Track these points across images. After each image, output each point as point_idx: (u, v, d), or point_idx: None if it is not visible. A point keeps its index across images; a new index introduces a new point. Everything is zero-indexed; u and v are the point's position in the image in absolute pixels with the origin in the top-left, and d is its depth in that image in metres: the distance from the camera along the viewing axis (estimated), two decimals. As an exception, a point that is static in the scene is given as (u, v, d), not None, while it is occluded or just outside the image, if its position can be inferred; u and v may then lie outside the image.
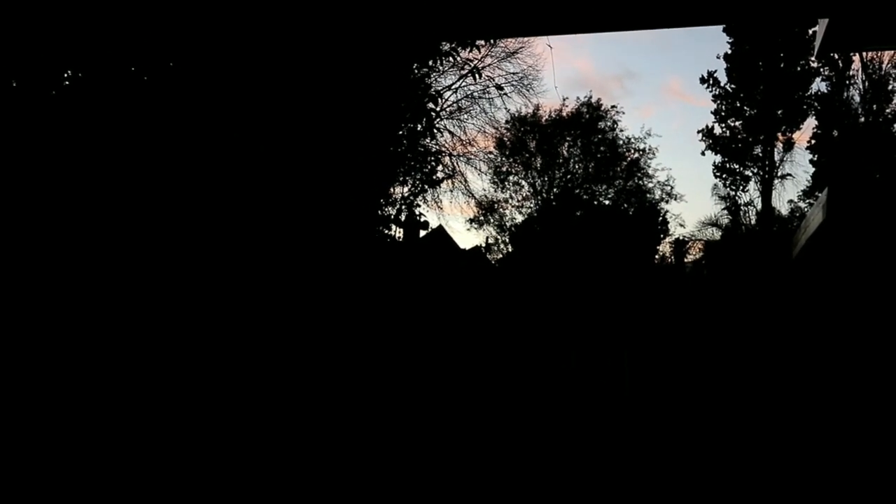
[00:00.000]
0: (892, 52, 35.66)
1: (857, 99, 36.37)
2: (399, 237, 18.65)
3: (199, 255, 10.35)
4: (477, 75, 21.51)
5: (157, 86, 10.68)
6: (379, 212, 15.94)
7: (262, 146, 11.53)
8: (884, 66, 36.16)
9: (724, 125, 37.80)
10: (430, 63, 15.85)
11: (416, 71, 15.66)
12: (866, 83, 36.28)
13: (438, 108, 17.85)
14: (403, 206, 16.69)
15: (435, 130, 16.52)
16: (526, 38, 27.17)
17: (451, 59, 17.22)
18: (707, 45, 74.48)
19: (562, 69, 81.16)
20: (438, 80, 22.67)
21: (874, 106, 36.20)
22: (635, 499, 8.17)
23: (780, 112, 36.66)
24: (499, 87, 26.15)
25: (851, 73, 36.50)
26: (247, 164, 11.28)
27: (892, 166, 35.58)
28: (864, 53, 35.23)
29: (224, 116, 11.01)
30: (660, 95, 68.25)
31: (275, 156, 11.73)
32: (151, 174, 10.16)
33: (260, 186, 11.31)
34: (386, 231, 15.63)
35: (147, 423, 8.23)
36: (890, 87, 36.15)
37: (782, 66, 36.39)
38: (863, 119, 36.19)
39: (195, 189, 10.49)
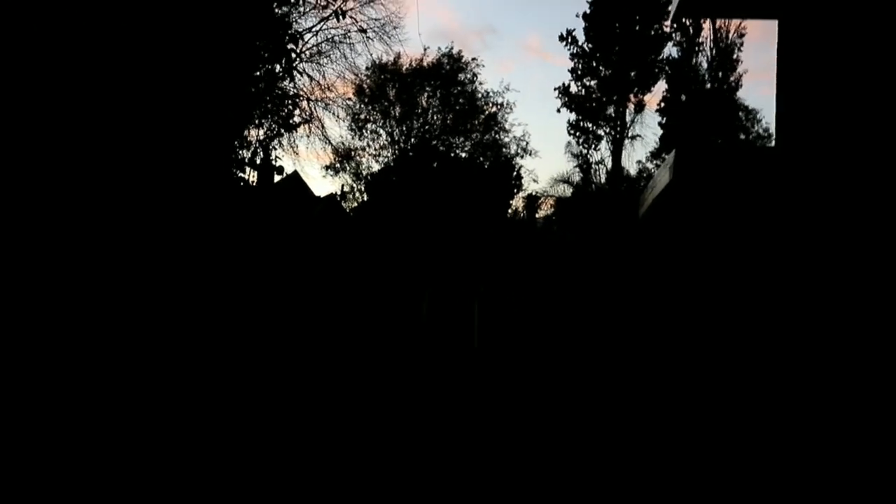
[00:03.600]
0: (739, 21, 37.21)
1: (705, 65, 37.88)
2: (253, 181, 18.25)
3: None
4: (340, 16, 21.03)
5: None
6: (233, 154, 15.53)
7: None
8: (730, 35, 37.72)
9: (580, 84, 38.64)
10: (292, 1, 15.46)
11: (276, 10, 15.24)
12: (714, 51, 37.77)
13: (299, 50, 17.42)
14: (259, 150, 16.31)
15: (294, 72, 16.14)
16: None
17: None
18: (567, 5, 75.75)
19: (425, 20, 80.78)
20: (299, 21, 22.11)
21: (720, 73, 37.75)
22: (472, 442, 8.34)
23: (633, 74, 37.72)
24: (362, 31, 25.73)
25: (701, 40, 37.93)
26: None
27: (733, 131, 37.30)
28: (715, 22, 36.62)
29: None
30: (519, 52, 69.09)
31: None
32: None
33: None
34: (240, 174, 15.26)
35: None
36: (735, 56, 37.78)
37: (637, 28, 37.36)
38: (709, 85, 37.70)
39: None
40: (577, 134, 38.83)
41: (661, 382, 11.23)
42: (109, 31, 10.89)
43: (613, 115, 38.37)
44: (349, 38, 26.81)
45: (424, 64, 40.00)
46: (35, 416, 7.96)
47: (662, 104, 38.35)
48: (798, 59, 8.83)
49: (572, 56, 38.52)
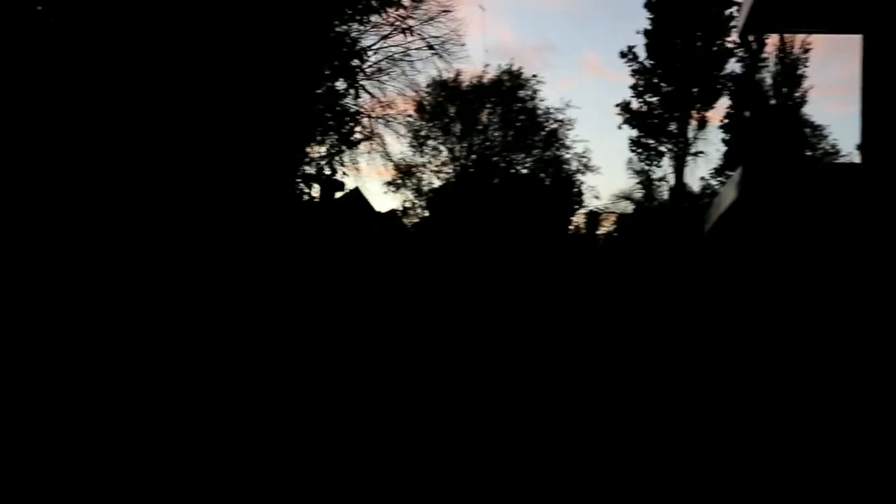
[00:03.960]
0: (803, 37, 36.61)
1: (769, 81, 37.29)
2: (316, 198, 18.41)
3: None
4: (408, 33, 21.12)
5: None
6: (297, 170, 15.71)
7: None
8: (795, 50, 37.11)
9: (641, 100, 38.31)
10: (354, 21, 15.59)
11: (337, 28, 15.40)
12: (778, 66, 37.19)
13: (363, 66, 17.56)
14: (324, 165, 16.46)
15: (358, 89, 16.27)
16: (445, 4, 26.84)
17: (375, 16, 16.98)
18: (625, 21, 75.33)
19: (483, 39, 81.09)
20: (359, 39, 22.33)
21: (784, 89, 37.15)
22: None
23: (695, 90, 37.31)
24: (430, 47, 25.73)
25: (765, 55, 37.38)
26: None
27: (799, 148, 36.63)
28: (781, 37, 36.07)
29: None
30: (578, 69, 68.76)
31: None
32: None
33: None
34: (304, 189, 15.43)
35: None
36: (799, 71, 37.14)
37: (699, 44, 36.97)
38: (773, 101, 37.11)
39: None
40: (639, 150, 38.49)
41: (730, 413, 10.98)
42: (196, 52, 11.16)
43: (676, 131, 37.96)
44: (409, 55, 26.95)
45: (484, 81, 40.07)
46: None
47: (726, 120, 37.82)
48: (886, 75, 8.57)
49: (633, 72, 38.24)
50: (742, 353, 10.76)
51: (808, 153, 37.94)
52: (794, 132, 36.82)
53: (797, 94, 37.21)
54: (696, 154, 38.08)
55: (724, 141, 38.02)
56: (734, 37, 36.87)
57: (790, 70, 37.12)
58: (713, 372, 13.85)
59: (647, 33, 37.66)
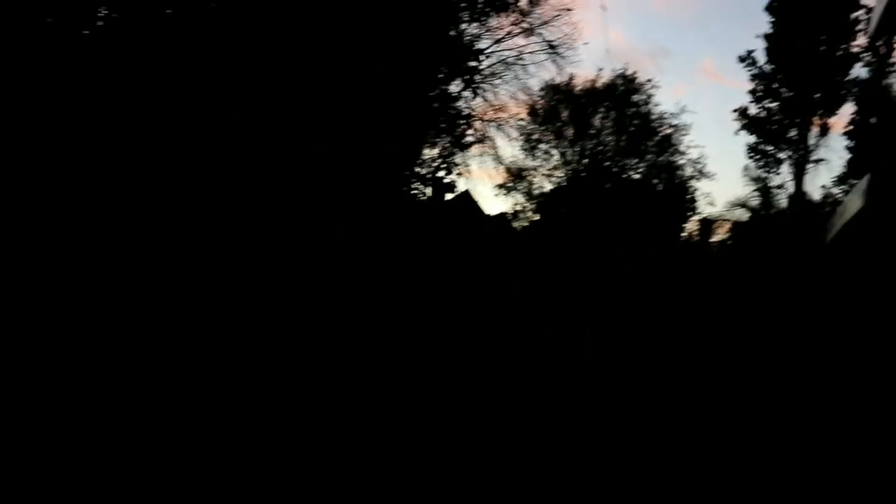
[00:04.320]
0: (938, 40, 35.04)
1: (898, 87, 35.81)
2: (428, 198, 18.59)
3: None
4: (527, 34, 21.02)
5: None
6: (409, 172, 15.90)
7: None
8: (928, 55, 35.55)
9: (760, 106, 37.26)
10: (471, 22, 15.67)
11: (453, 31, 15.52)
12: (909, 71, 35.71)
13: (478, 66, 17.65)
14: (435, 167, 16.62)
15: (475, 88, 16.33)
16: (563, 6, 26.71)
17: (491, 19, 17.03)
18: (743, 26, 73.56)
19: (598, 43, 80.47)
20: (476, 41, 22.44)
21: (915, 95, 35.65)
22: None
23: (817, 96, 36.10)
24: (550, 45, 25.49)
25: (894, 60, 35.90)
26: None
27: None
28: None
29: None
30: (693, 75, 67.52)
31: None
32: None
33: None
34: (416, 190, 15.60)
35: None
36: (932, 76, 35.57)
37: (823, 48, 35.79)
38: (902, 107, 35.65)
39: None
40: (757, 157, 37.43)
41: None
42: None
43: (796, 137, 36.79)
44: (523, 59, 26.94)
45: (598, 85, 39.78)
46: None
47: (850, 127, 36.49)
48: None
49: (752, 77, 37.25)
50: (869, 364, 10.38)
51: (938, 162, 36.30)
52: (923, 140, 35.31)
53: (928, 101, 35.67)
54: (817, 161, 36.87)
55: (847, 148, 36.69)
56: (860, 41, 35.54)
57: (921, 75, 35.59)
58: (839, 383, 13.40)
59: (767, 37, 36.68)
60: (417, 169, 16.65)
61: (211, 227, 11.01)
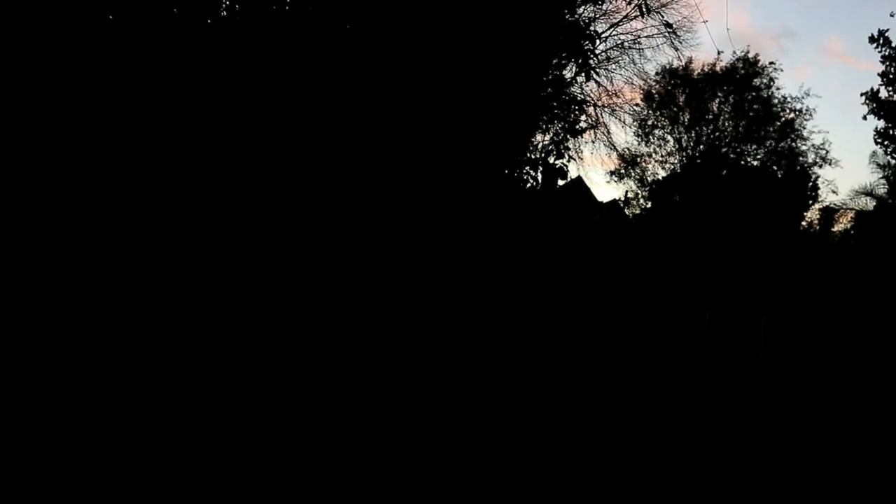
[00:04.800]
0: None
1: None
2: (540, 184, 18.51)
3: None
4: (645, 15, 20.57)
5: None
6: (521, 157, 15.86)
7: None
8: None
9: (891, 88, 35.57)
10: (587, 3, 15.50)
11: (568, 15, 15.36)
12: None
13: (593, 50, 17.43)
14: (548, 153, 16.51)
15: (591, 71, 16.12)
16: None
17: (605, 1, 16.78)
18: (875, 3, 70.39)
19: (718, 24, 78.37)
20: (592, 23, 22.14)
21: None
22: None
23: (953, 79, 34.28)
24: (668, 25, 24.84)
25: None
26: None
27: None
28: None
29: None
30: (819, 56, 65.11)
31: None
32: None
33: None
34: (528, 176, 15.55)
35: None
36: None
37: (961, 29, 33.98)
38: None
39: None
40: (886, 142, 35.79)
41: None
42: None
43: (928, 123, 35.06)
44: (639, 42, 26.44)
45: (717, 69, 38.78)
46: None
47: None
48: None
49: (883, 59, 35.52)
50: None
51: None
52: None
53: None
54: (950, 149, 35.10)
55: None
56: None
57: None
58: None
59: (900, 17, 35.00)
60: (529, 155, 16.57)
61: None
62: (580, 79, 16.06)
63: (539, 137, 17.34)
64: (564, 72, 16.60)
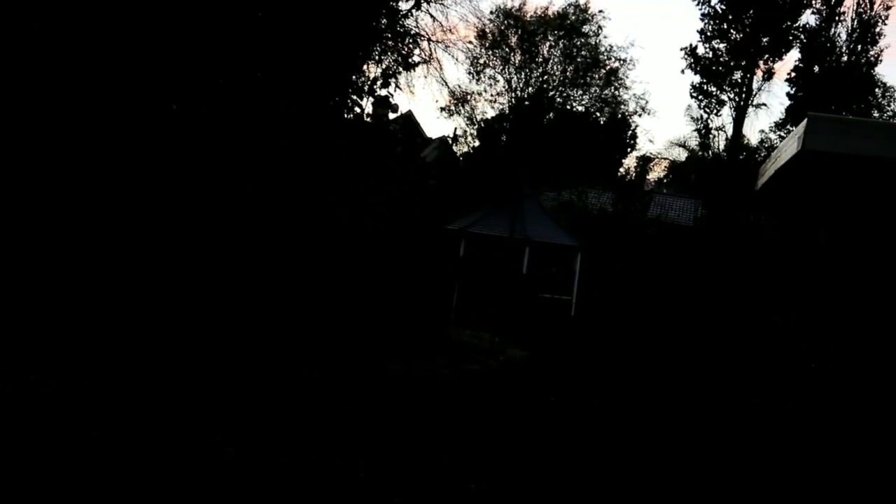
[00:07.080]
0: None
1: (844, 37, 36.07)
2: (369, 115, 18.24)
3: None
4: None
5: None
6: (350, 88, 15.56)
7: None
8: (875, 6, 35.80)
9: (708, 46, 37.15)
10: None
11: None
12: (855, 21, 35.93)
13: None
14: (376, 86, 16.26)
15: (424, 5, 15.96)
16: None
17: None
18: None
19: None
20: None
21: (859, 46, 35.94)
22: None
23: (765, 40, 36.11)
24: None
25: (842, 10, 36.06)
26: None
27: (866, 107, 35.61)
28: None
29: None
30: (646, 7, 67.23)
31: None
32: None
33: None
34: (356, 105, 15.29)
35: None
36: (878, 29, 35.85)
37: (775, -9, 35.73)
38: (846, 58, 35.95)
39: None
40: (700, 97, 37.48)
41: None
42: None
43: (739, 80, 36.92)
44: (474, -21, 26.49)
45: (550, 13, 39.33)
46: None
47: (793, 74, 36.76)
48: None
49: (703, 16, 37.02)
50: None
51: (877, 114, 36.84)
52: (863, 91, 35.77)
53: (872, 53, 36.05)
54: (757, 106, 37.17)
55: (788, 95, 37.09)
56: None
57: (867, 27, 35.84)
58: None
59: (719, -25, 36.40)
60: (361, 84, 16.27)
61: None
62: (414, 11, 15.86)
63: (373, 69, 17.06)
64: (400, 3, 16.37)
